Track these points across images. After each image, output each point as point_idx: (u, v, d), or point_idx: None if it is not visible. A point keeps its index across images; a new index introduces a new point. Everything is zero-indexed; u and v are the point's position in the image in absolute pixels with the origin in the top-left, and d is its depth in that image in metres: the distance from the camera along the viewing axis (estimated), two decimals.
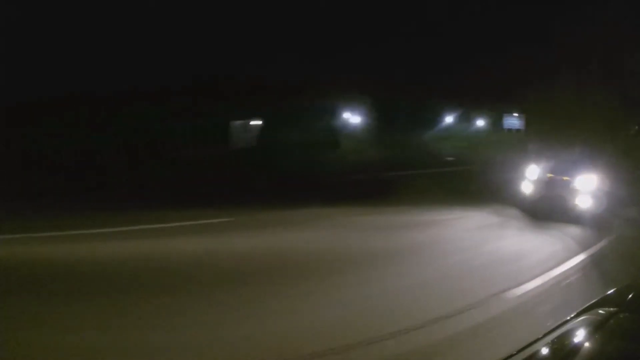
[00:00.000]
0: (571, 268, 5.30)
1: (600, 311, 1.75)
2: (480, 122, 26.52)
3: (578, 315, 1.73)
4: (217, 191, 10.21)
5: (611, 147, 10.12)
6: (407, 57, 25.31)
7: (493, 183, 9.93)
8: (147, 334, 3.52)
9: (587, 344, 1.51)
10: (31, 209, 7.81)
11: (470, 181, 11.52)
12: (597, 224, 7.28)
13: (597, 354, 1.50)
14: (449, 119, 26.06)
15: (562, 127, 11.48)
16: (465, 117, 26.19)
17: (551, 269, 5.14)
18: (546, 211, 8.08)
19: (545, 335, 1.56)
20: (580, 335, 1.57)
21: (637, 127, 13.12)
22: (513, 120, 23.32)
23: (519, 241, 6.57)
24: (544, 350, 1.49)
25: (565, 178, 8.54)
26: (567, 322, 1.67)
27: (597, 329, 1.58)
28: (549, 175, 8.81)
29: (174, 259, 5.48)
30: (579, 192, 8.15)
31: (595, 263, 5.56)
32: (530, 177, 8.96)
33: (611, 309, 1.75)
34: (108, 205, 8.45)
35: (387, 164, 15.05)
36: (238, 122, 18.08)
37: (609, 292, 1.93)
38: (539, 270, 5.07)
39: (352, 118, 21.30)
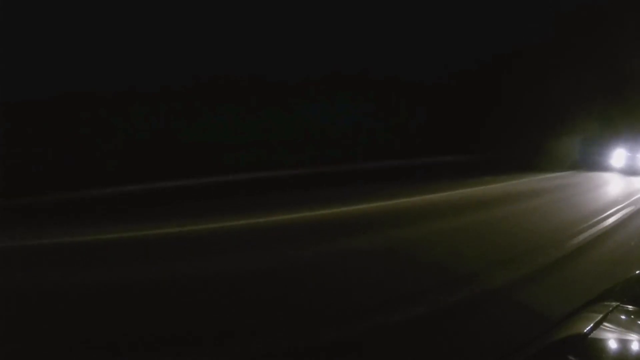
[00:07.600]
0: None
1: (602, 305, 1.84)
2: None
3: (581, 309, 1.83)
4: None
5: None
6: None
7: (595, 161, 18.16)
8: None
9: (589, 338, 1.56)
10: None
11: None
12: None
13: (600, 348, 1.58)
14: None
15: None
16: None
17: None
18: (629, 172, 16.34)
19: (548, 330, 1.66)
20: (583, 329, 1.61)
21: None
22: None
23: (623, 180, 14.90)
24: (549, 345, 1.55)
25: (638, 155, 16.88)
26: (570, 316, 1.77)
27: (599, 322, 1.64)
28: (629, 154, 17.17)
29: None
30: None
31: None
32: (618, 155, 17.32)
33: (613, 302, 1.85)
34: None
35: None
36: None
37: (611, 286, 2.06)
38: (637, 186, 13.48)
39: None
